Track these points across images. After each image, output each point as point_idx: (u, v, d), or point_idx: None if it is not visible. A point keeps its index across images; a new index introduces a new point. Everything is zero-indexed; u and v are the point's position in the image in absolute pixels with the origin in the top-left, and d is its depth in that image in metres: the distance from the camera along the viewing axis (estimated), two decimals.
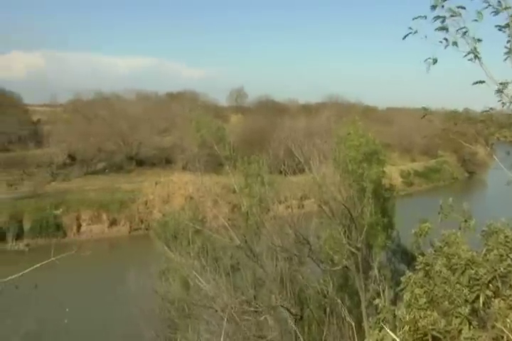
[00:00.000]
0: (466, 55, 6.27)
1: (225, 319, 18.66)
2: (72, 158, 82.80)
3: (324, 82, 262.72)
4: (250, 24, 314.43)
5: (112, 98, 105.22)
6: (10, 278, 8.84)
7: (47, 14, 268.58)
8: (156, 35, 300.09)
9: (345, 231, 20.26)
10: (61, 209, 64.51)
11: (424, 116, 7.77)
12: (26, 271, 9.03)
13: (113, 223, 66.69)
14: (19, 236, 59.65)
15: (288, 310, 19.47)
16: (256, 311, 19.04)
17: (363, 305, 20.10)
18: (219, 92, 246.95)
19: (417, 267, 9.79)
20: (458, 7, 6.15)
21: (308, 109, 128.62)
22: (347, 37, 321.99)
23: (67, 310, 9.73)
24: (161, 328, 23.45)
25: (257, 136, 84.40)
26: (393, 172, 78.84)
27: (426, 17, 6.21)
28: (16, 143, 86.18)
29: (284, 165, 21.51)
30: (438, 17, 6.20)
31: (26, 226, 61.35)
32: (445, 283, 9.07)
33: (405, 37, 6.35)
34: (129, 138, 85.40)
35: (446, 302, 8.74)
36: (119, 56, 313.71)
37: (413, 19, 6.21)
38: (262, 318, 19.04)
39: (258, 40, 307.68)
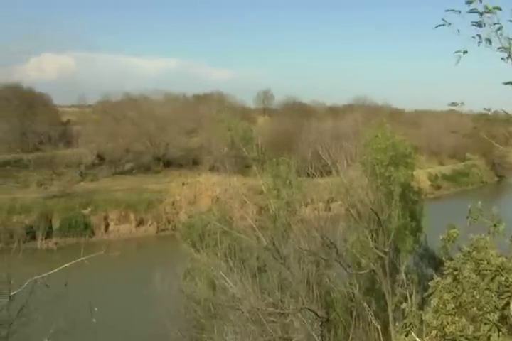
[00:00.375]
0: (498, 49, 6.17)
1: (251, 320, 18.71)
2: (100, 158, 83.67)
3: (351, 84, 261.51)
4: (277, 25, 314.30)
5: (140, 99, 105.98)
6: (40, 276, 9.02)
7: (74, 15, 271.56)
8: (183, 36, 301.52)
9: (372, 234, 20.18)
10: (89, 209, 65.30)
11: (454, 108, 7.62)
12: (57, 269, 9.21)
13: (140, 223, 67.22)
14: (48, 234, 60.65)
15: (314, 312, 19.45)
16: (282, 313, 19.03)
17: (390, 309, 19.98)
18: (246, 94, 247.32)
19: (445, 272, 9.70)
20: (494, 8, 6.08)
21: (335, 111, 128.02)
22: (375, 38, 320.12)
23: (96, 309, 9.82)
24: (186, 328, 23.55)
25: (284, 137, 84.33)
26: (421, 176, 78.06)
27: (460, 12, 6.11)
28: (47, 143, 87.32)
29: (312, 167, 21.52)
30: (474, 11, 6.09)
31: (55, 225, 62.26)
32: (474, 288, 8.97)
33: (437, 26, 6.24)
34: (157, 139, 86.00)
35: (475, 309, 8.65)
36: (147, 57, 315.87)
37: (446, 11, 6.11)
38: (288, 320, 19.03)
39: (285, 42, 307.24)
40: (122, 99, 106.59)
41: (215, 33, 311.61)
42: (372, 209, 19.81)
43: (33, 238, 57.61)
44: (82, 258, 9.56)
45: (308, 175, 22.24)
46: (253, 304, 18.34)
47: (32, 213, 61.33)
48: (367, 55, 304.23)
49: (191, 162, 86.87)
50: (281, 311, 19.03)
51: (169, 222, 66.71)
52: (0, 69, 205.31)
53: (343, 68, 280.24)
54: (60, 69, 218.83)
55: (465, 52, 6.23)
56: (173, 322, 23.29)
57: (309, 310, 19.57)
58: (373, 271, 20.58)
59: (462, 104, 7.55)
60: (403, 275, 21.10)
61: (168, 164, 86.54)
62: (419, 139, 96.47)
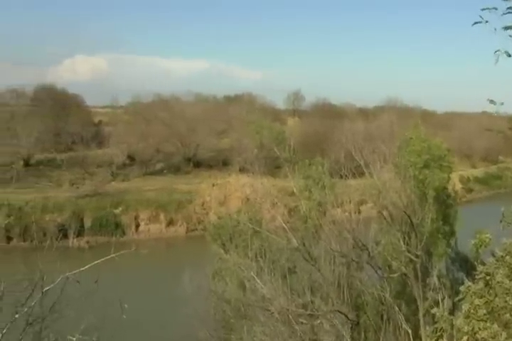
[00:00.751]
0: None
1: (281, 321, 18.65)
2: (131, 158, 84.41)
3: (382, 85, 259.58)
4: (308, 26, 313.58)
5: (171, 100, 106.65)
6: (72, 273, 9.11)
7: (107, 17, 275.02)
8: (213, 38, 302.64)
9: (404, 237, 19.98)
10: (120, 209, 65.90)
11: (490, 106, 7.41)
12: (87, 266, 9.29)
13: (170, 223, 67.58)
14: (80, 233, 61.40)
15: (345, 315, 19.31)
16: (312, 315, 18.94)
17: (421, 313, 19.76)
18: (275, 95, 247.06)
19: (477, 277, 9.51)
20: None
21: (365, 112, 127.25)
22: (405, 40, 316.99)
23: (126, 306, 9.89)
24: (215, 329, 23.57)
25: (315, 139, 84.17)
26: (453, 178, 77.04)
27: (496, 8, 5.93)
28: (79, 143, 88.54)
29: (344, 168, 21.38)
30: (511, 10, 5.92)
31: (87, 224, 63.00)
32: (507, 294, 8.77)
33: (474, 24, 6.08)
34: (187, 139, 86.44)
35: (508, 315, 8.46)
36: (178, 59, 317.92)
37: (482, 10, 5.94)
38: (317, 322, 18.93)
39: (316, 43, 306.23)
40: (153, 100, 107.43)
41: (245, 34, 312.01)
42: (405, 212, 19.62)
43: (65, 236, 58.31)
44: (112, 255, 9.63)
45: (341, 176, 22.10)
46: (283, 305, 18.29)
47: (64, 212, 62.18)
48: (397, 56, 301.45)
49: (221, 163, 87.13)
50: (311, 313, 18.94)
51: (199, 223, 66.90)
52: (35, 70, 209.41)
53: (374, 69, 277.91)
54: (92, 70, 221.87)
55: (507, 53, 6.06)
56: (201, 322, 23.32)
57: (339, 312, 19.45)
58: (405, 274, 20.37)
59: (502, 103, 7.37)
60: (435, 280, 20.86)
61: (198, 165, 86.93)
62: (451, 141, 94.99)
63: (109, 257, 9.53)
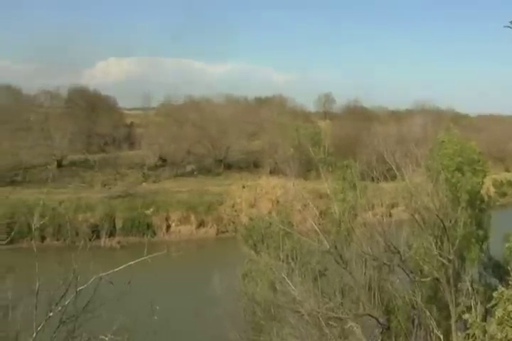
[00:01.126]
0: None
1: (311, 324, 18.58)
2: (162, 160, 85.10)
3: (414, 88, 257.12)
4: (336, 28, 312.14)
5: (202, 102, 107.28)
6: (105, 273, 9.23)
7: (139, 20, 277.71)
8: (245, 40, 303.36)
9: (436, 241, 19.75)
10: (151, 210, 66.41)
11: None
12: (121, 267, 9.40)
13: (201, 224, 67.87)
14: (112, 233, 62.15)
15: (376, 319, 19.17)
16: (342, 318, 18.84)
17: (453, 318, 19.50)
18: (306, 96, 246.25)
19: (510, 282, 9.38)
20: None
21: (397, 115, 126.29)
22: (437, 44, 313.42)
23: (158, 307, 10.01)
24: (244, 330, 23.58)
25: (346, 141, 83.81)
26: (486, 182, 75.89)
27: None
28: (111, 144, 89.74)
29: (375, 171, 21.24)
30: None
31: (118, 224, 63.69)
32: None
33: (506, 27, 5.96)
34: (218, 141, 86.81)
35: None
36: (209, 61, 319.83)
37: None
38: (347, 326, 18.81)
39: (345, 45, 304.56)
40: (185, 102, 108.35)
41: (276, 37, 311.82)
42: (437, 216, 19.39)
43: (98, 236, 59.07)
44: (145, 257, 9.75)
45: (373, 179, 21.97)
46: (313, 307, 18.22)
47: (96, 212, 63.01)
48: (430, 57, 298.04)
49: (252, 165, 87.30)
50: (342, 316, 18.83)
51: (229, 224, 67.08)
52: (70, 72, 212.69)
53: (406, 72, 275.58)
54: (124, 72, 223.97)
55: None
56: (232, 323, 23.35)
57: (370, 316, 19.31)
58: (437, 278, 20.13)
59: None
60: (467, 285, 20.56)
61: (228, 166, 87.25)
62: (483, 144, 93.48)
63: (142, 259, 9.67)
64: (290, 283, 19.12)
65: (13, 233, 15.16)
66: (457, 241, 19.55)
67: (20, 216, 50.79)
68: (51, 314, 8.07)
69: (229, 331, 23.14)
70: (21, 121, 79.95)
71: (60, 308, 8.34)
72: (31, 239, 38.84)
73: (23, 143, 74.53)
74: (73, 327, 8.98)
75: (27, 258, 10.22)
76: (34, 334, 7.63)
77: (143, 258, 9.92)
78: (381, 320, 19.55)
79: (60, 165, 79.41)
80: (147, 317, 10.59)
